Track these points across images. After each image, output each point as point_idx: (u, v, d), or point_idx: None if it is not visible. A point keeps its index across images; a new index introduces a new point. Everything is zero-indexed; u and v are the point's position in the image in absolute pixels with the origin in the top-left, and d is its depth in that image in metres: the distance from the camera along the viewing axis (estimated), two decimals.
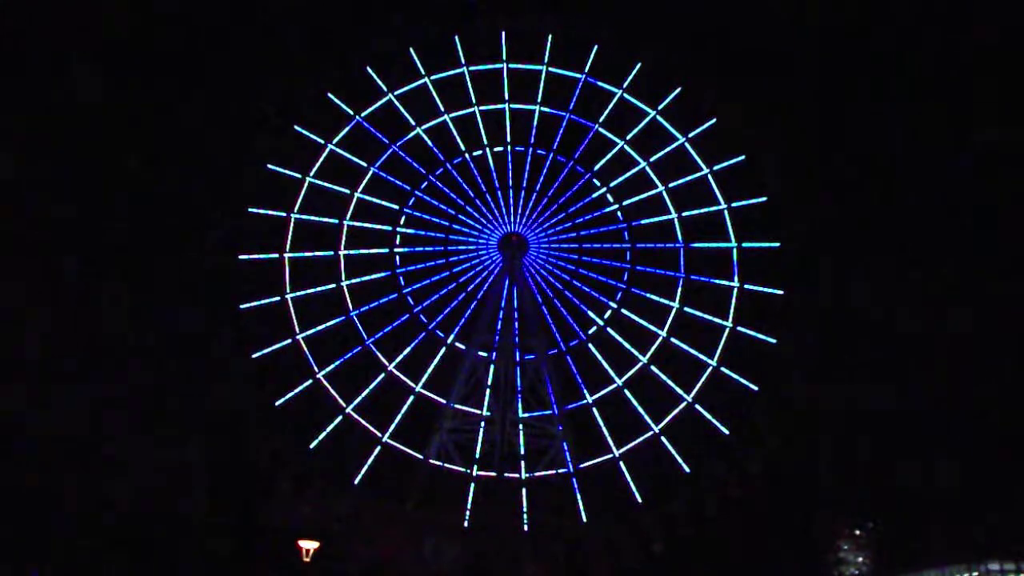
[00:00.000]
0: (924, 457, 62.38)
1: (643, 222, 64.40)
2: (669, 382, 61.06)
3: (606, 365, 62.11)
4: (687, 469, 59.17)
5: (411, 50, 65.14)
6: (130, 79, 66.00)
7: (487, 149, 65.64)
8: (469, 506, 59.37)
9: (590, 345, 62.80)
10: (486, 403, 62.10)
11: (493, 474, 60.08)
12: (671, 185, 64.26)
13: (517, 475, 61.11)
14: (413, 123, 65.10)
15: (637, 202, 64.64)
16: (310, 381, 59.95)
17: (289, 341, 60.44)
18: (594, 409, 61.53)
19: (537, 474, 61.10)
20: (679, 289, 62.73)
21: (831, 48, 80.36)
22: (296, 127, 63.08)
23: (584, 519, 59.90)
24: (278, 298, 61.17)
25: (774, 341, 60.45)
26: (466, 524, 58.78)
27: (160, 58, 67.84)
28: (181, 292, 61.11)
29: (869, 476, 63.11)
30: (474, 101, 65.64)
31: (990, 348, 67.03)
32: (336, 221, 63.12)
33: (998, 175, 71.25)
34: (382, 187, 64.20)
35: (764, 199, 62.91)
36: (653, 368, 61.48)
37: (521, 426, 62.19)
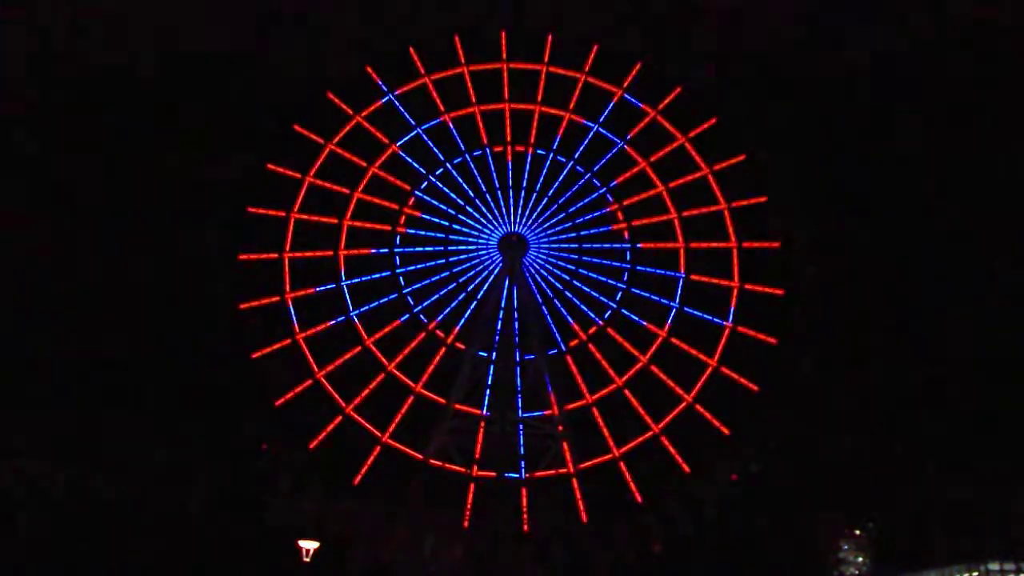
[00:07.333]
0: (925, 457, 62.39)
1: (643, 222, 64.49)
2: (669, 382, 61.08)
3: (606, 365, 62.15)
4: (687, 469, 59.20)
5: (411, 50, 65.24)
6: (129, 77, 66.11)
7: (487, 149, 65.61)
8: (469, 506, 59.33)
9: (590, 345, 62.84)
10: (486, 403, 62.14)
11: (493, 474, 60.09)
12: (671, 185, 64.31)
13: (517, 475, 61.10)
14: (413, 123, 65.10)
15: (637, 202, 64.72)
16: (310, 381, 59.95)
17: (289, 341, 60.42)
18: (594, 409, 61.56)
19: (537, 474, 61.08)
20: (679, 289, 62.80)
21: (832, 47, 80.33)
22: (296, 127, 63.13)
23: (584, 519, 59.88)
24: (278, 298, 61.16)
25: (774, 341, 60.48)
26: (466, 524, 58.75)
27: (159, 57, 67.93)
28: (181, 292, 61.22)
29: (869, 476, 63.09)
30: (474, 101, 65.70)
31: (989, 348, 67.02)
32: (336, 221, 63.16)
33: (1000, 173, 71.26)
34: (382, 187, 64.19)
35: (764, 199, 62.98)
36: (653, 368, 61.53)
37: (521, 426, 62.16)
